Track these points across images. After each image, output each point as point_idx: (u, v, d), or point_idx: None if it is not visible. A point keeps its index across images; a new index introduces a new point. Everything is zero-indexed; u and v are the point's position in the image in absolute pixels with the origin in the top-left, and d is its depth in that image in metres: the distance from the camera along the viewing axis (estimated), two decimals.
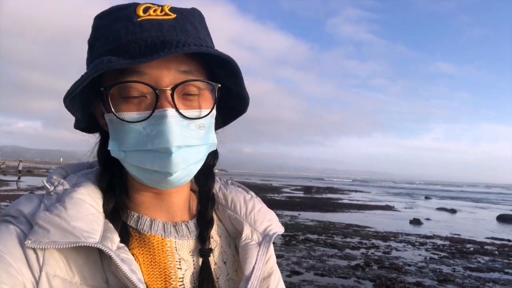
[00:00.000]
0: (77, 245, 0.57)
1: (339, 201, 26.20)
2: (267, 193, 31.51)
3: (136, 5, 0.63)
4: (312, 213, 17.48)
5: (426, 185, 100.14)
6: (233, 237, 0.78)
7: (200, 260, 0.70)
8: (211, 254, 0.71)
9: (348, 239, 10.94)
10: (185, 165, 0.62)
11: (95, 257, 0.61)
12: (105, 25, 0.63)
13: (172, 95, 0.59)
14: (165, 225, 0.70)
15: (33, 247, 0.57)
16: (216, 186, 0.80)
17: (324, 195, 33.22)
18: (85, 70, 0.63)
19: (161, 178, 0.62)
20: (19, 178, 32.48)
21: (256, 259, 0.70)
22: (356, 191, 46.09)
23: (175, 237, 0.70)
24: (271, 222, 0.77)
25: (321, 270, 7.44)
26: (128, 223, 0.68)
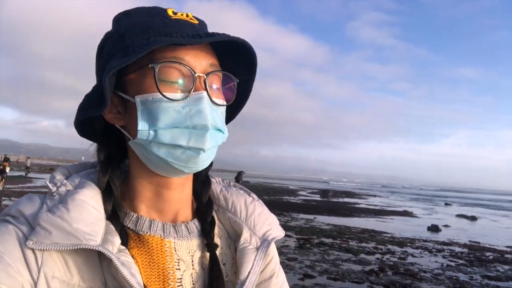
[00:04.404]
0: (79, 247, 0.58)
1: (356, 206, 25.92)
2: (283, 196, 31.43)
3: (162, 8, 0.69)
4: (328, 217, 17.37)
5: (447, 191, 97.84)
6: (233, 239, 0.78)
7: (200, 260, 0.71)
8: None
9: (364, 244, 10.84)
10: (214, 145, 0.66)
11: (94, 259, 0.61)
12: (138, 19, 0.66)
13: (205, 81, 0.65)
14: (165, 226, 0.70)
15: (35, 248, 0.57)
16: (217, 188, 0.81)
17: (341, 199, 32.93)
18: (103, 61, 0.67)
19: (193, 155, 0.64)
20: (26, 174, 32.48)
21: (253, 264, 0.70)
22: (374, 195, 45.48)
23: (174, 237, 0.70)
24: (271, 227, 0.78)
25: (334, 274, 7.41)
26: (127, 223, 0.69)
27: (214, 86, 0.68)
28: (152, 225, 0.69)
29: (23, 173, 33.11)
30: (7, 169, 21.17)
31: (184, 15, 0.68)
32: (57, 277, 0.58)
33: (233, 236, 0.78)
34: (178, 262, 0.69)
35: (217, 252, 0.74)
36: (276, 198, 27.80)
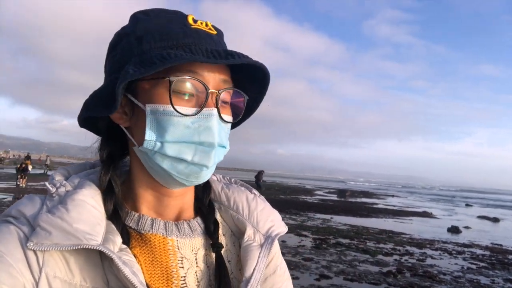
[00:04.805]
0: (79, 247, 0.58)
1: (374, 206, 25.58)
2: (300, 195, 31.31)
3: (184, 13, 0.68)
4: (345, 217, 17.19)
5: (467, 192, 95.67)
6: (237, 236, 0.78)
7: (204, 258, 0.71)
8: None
9: (381, 245, 10.69)
10: (217, 161, 0.67)
11: (96, 258, 0.61)
12: (156, 22, 0.65)
13: (217, 97, 0.65)
14: (167, 224, 0.70)
15: (35, 249, 0.57)
16: (219, 187, 0.81)
17: (358, 199, 32.57)
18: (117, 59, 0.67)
19: (196, 170, 0.65)
20: (45, 172, 33.07)
21: (257, 261, 0.71)
22: (393, 196, 44.80)
23: (177, 235, 0.70)
24: (273, 223, 0.78)
25: (351, 275, 7.33)
26: (128, 222, 0.68)
27: (224, 102, 0.68)
28: (154, 224, 0.69)
29: (44, 171, 33.92)
30: (29, 167, 21.75)
31: (204, 24, 0.67)
32: (58, 277, 0.58)
33: (237, 234, 0.79)
34: (182, 260, 0.69)
35: (222, 250, 0.74)
36: (293, 198, 27.73)
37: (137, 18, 0.68)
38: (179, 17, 0.67)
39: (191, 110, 0.63)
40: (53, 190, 0.65)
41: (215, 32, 0.68)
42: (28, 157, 24.90)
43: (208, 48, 0.63)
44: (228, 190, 0.81)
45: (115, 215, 0.67)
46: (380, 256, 9.22)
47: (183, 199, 0.73)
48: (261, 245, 0.73)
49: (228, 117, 0.68)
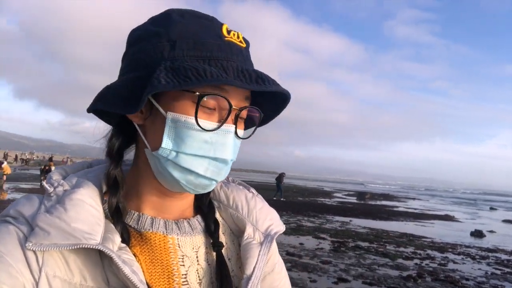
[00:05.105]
0: (79, 247, 0.58)
1: (395, 209, 25.17)
2: (318, 197, 31.10)
3: (219, 22, 0.68)
4: (364, 220, 16.97)
5: (491, 195, 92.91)
6: (236, 235, 0.79)
7: (205, 256, 0.72)
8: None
9: (402, 249, 10.50)
10: (226, 175, 0.68)
11: (95, 258, 0.61)
12: (191, 28, 0.64)
13: (236, 115, 0.66)
14: (167, 223, 0.70)
15: (34, 249, 0.57)
16: (217, 185, 0.80)
17: (378, 202, 32.12)
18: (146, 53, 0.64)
19: (205, 183, 0.66)
20: None
21: (258, 259, 0.71)
22: (414, 198, 43.99)
23: (177, 234, 0.70)
24: (272, 221, 0.78)
25: (370, 279, 7.23)
26: (128, 221, 0.68)
27: (240, 118, 0.68)
28: (154, 223, 0.69)
29: None
30: (52, 168, 22.34)
31: (235, 36, 0.67)
32: (58, 276, 0.58)
33: (236, 232, 0.79)
34: (183, 258, 0.69)
35: (222, 249, 0.74)
36: (311, 200, 27.57)
37: (172, 19, 0.66)
38: (214, 26, 0.66)
39: (212, 125, 0.63)
40: (51, 189, 0.64)
41: (244, 45, 0.68)
42: (51, 159, 25.56)
43: (239, 67, 0.63)
44: (227, 189, 0.81)
45: (117, 212, 0.66)
46: (400, 260, 9.06)
47: (185, 200, 0.74)
48: (261, 243, 0.74)
49: (242, 133, 0.68)
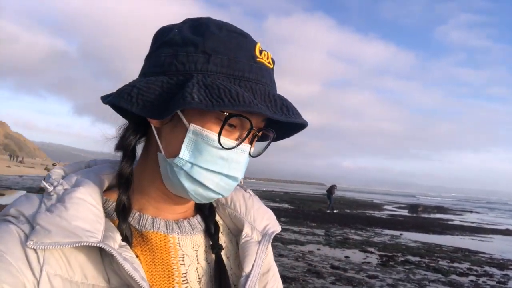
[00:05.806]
0: (79, 244, 0.58)
1: (449, 222, 23.89)
2: (367, 210, 30.27)
3: (253, 40, 0.68)
4: (416, 233, 16.31)
5: None
6: (234, 234, 0.81)
7: (204, 255, 0.73)
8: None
9: (456, 264, 10.04)
10: (232, 191, 0.71)
11: (96, 256, 0.62)
12: (227, 45, 0.64)
13: (254, 135, 0.68)
14: (167, 223, 0.71)
15: (35, 248, 0.57)
16: None
17: (432, 215, 30.67)
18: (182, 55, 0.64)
19: (212, 196, 0.67)
20: None
21: (256, 257, 0.73)
22: (471, 211, 41.42)
23: (178, 233, 0.71)
24: (269, 221, 0.80)
25: None
26: (129, 221, 0.68)
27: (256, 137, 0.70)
28: (155, 223, 0.70)
29: None
30: None
31: (266, 56, 0.68)
32: (59, 275, 0.58)
33: (234, 231, 0.81)
34: (183, 257, 0.70)
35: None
36: (359, 212, 26.90)
37: (210, 30, 0.65)
38: (248, 44, 0.67)
39: (231, 144, 0.65)
40: (50, 188, 0.64)
41: (272, 66, 0.70)
42: None
43: (266, 91, 0.65)
44: None
45: (123, 211, 0.67)
46: (453, 276, 8.68)
47: (187, 202, 0.74)
48: (259, 242, 0.76)
49: (253, 151, 0.70)
